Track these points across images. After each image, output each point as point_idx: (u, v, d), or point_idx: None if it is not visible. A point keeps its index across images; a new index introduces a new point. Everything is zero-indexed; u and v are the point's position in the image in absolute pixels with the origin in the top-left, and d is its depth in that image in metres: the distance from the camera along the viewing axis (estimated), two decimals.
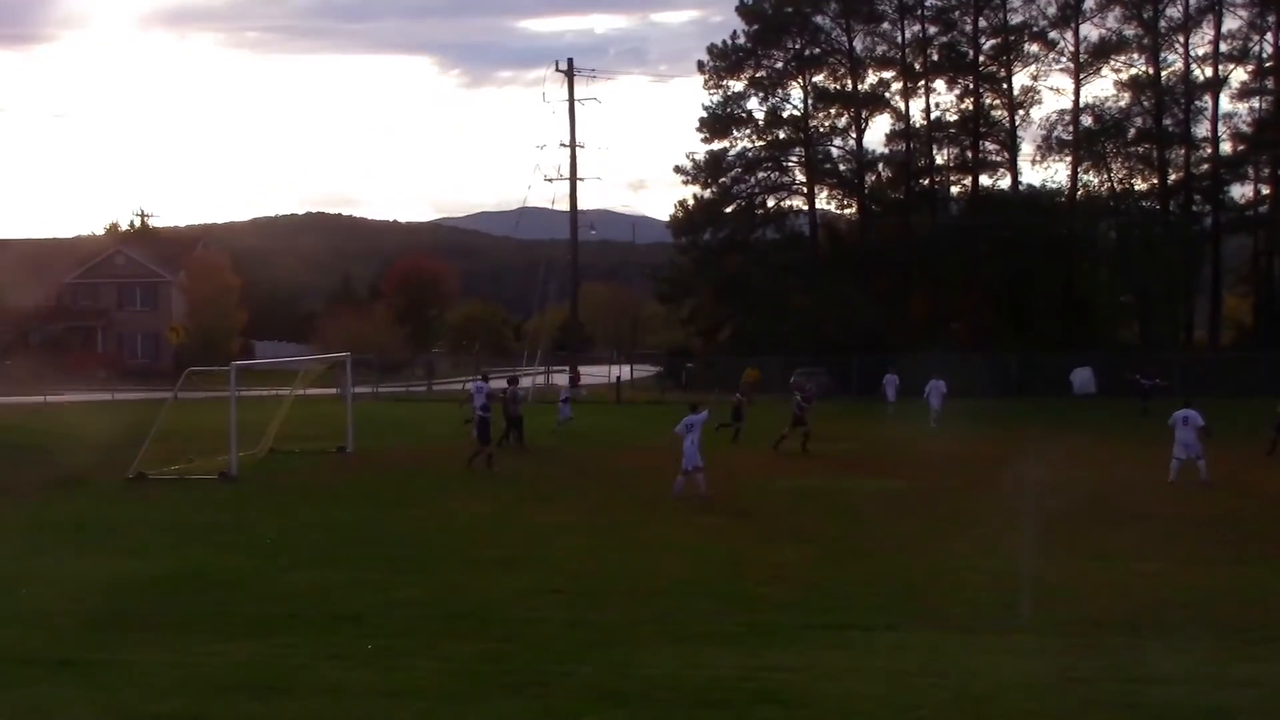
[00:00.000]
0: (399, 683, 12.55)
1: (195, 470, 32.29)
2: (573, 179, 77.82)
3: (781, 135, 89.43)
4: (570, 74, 76.07)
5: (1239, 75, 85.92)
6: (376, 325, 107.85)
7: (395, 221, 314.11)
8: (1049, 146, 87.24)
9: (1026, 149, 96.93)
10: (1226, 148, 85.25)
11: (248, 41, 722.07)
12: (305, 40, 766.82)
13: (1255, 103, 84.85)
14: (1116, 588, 16.81)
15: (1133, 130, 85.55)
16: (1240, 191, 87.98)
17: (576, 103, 78.04)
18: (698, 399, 29.68)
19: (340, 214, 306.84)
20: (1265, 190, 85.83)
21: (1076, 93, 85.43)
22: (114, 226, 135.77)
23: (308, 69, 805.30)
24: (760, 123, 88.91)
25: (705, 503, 25.70)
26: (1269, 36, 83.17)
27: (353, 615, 15.59)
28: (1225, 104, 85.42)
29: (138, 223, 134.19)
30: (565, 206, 79.21)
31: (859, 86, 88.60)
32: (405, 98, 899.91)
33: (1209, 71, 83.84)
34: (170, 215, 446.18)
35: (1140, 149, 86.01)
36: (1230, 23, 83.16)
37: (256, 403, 41.82)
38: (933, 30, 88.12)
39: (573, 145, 77.56)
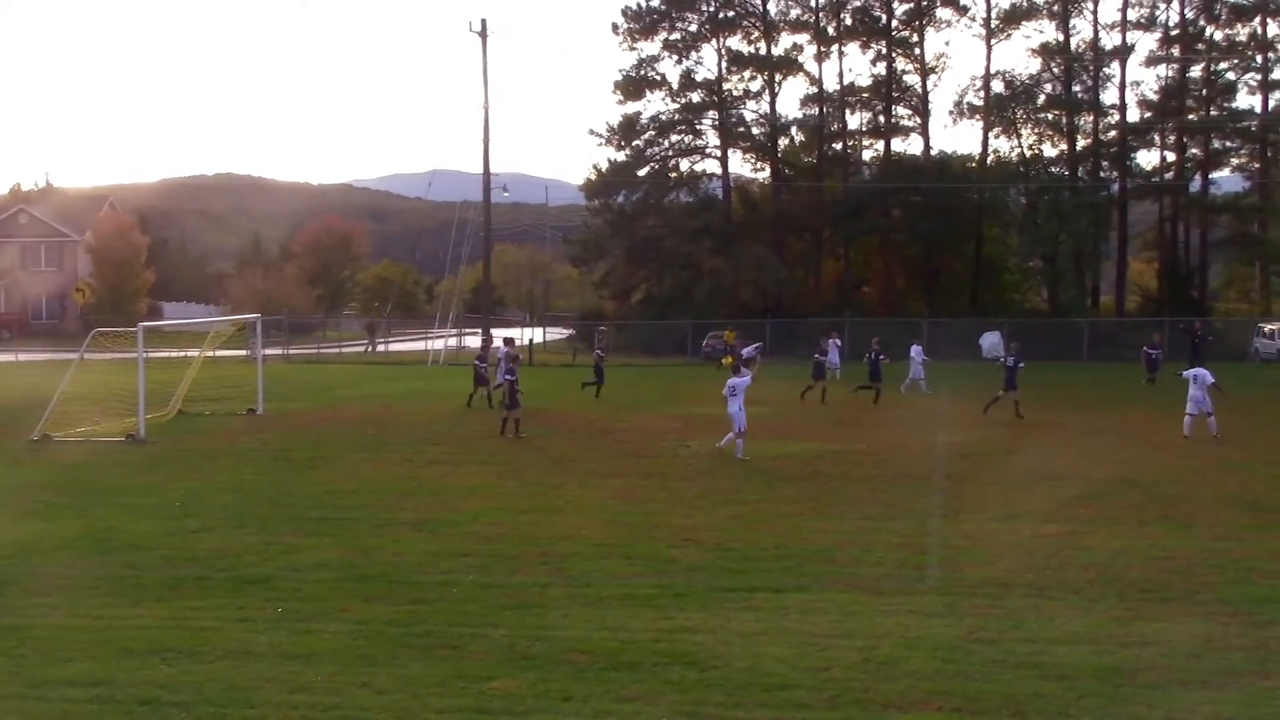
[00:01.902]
0: (309, 645, 12.55)
1: (102, 432, 31.90)
2: (485, 140, 77.19)
3: (695, 98, 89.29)
4: (484, 35, 75.41)
5: (1146, 43, 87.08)
6: (287, 286, 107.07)
7: (306, 183, 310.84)
8: (960, 111, 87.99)
9: (938, 114, 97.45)
10: (1134, 115, 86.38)
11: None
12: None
13: (1161, 70, 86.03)
14: (1022, 549, 17.04)
15: (1042, 96, 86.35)
16: (1146, 158, 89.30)
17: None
18: (742, 363, 29.93)
19: (250, 175, 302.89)
20: (1170, 157, 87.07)
21: (988, 58, 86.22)
22: (16, 187, 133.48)
23: (218, 30, 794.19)
24: (674, 85, 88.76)
25: (744, 464, 26.18)
26: (1175, 5, 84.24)
27: (262, 578, 15.54)
28: (1133, 71, 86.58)
29: (42, 182, 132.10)
30: (479, 168, 78.69)
31: (772, 50, 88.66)
32: (317, 58, 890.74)
33: (1117, 39, 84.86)
34: (76, 175, 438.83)
35: (1050, 115, 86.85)
36: None
37: (165, 364, 41.37)
38: None
39: (486, 107, 76.91)
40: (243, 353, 55.68)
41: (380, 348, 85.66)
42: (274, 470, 25.76)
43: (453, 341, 79.77)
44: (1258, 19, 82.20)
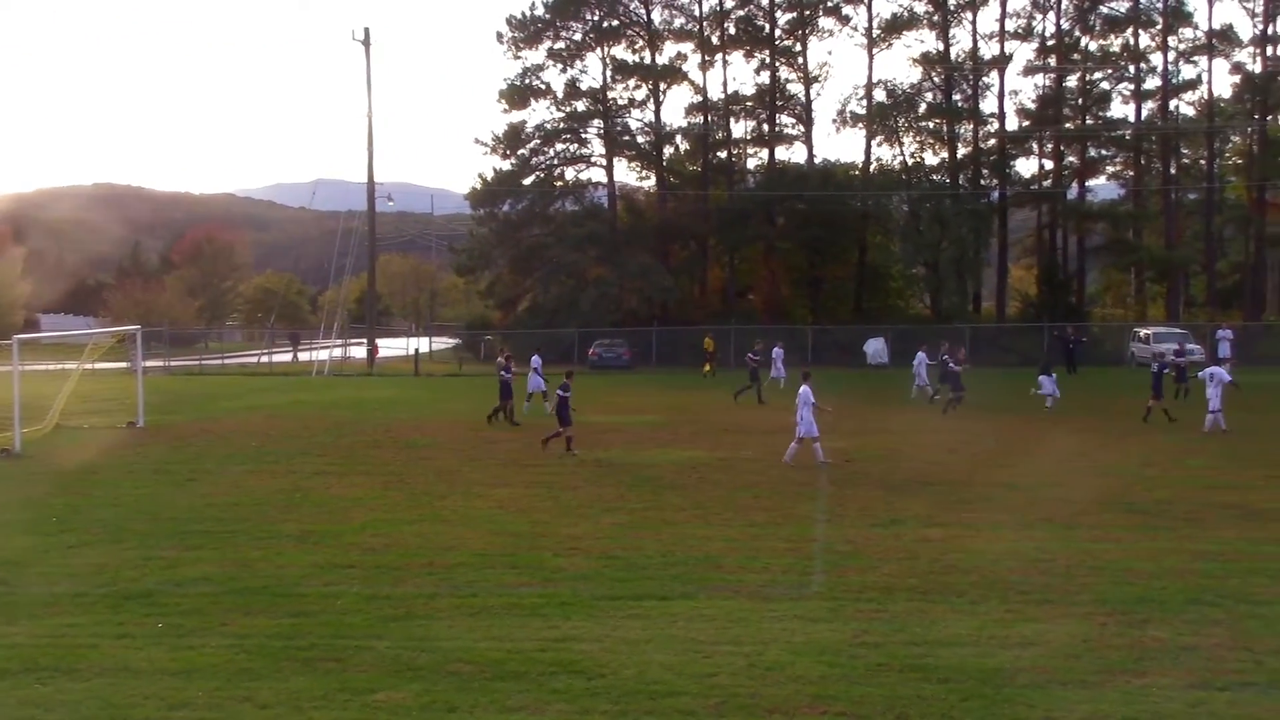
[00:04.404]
0: (190, 661, 12.37)
1: None
2: (370, 150, 77.13)
3: (580, 107, 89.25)
4: (367, 44, 75.03)
5: (1024, 53, 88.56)
6: (168, 297, 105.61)
7: (187, 193, 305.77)
8: (843, 120, 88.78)
9: (822, 123, 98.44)
10: (1012, 123, 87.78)
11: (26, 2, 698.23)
12: (92, 3, 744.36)
13: (1039, 80, 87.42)
14: (906, 553, 17.21)
15: (923, 105, 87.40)
16: (1025, 166, 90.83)
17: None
18: (808, 369, 29.78)
19: (129, 185, 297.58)
20: (1048, 165, 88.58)
21: (869, 67, 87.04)
22: None
23: (96, 34, 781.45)
24: (559, 94, 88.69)
25: (821, 469, 26.31)
26: (1051, 16, 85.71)
27: (142, 593, 15.29)
28: (1011, 80, 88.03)
29: None
30: (363, 177, 78.26)
31: (657, 59, 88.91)
32: (199, 66, 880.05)
33: (995, 49, 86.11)
34: None
35: (931, 123, 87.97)
36: (1016, 2, 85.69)
37: (42, 377, 40.61)
38: (730, 3, 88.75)
39: (370, 116, 76.98)
40: (123, 365, 54.83)
41: (266, 359, 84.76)
42: (154, 484, 25.37)
43: (337, 352, 79.20)
44: (1130, 30, 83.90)
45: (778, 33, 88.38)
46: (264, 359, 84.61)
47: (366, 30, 74.95)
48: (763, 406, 42.38)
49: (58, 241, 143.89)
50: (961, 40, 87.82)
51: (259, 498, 23.29)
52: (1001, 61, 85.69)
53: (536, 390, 40.63)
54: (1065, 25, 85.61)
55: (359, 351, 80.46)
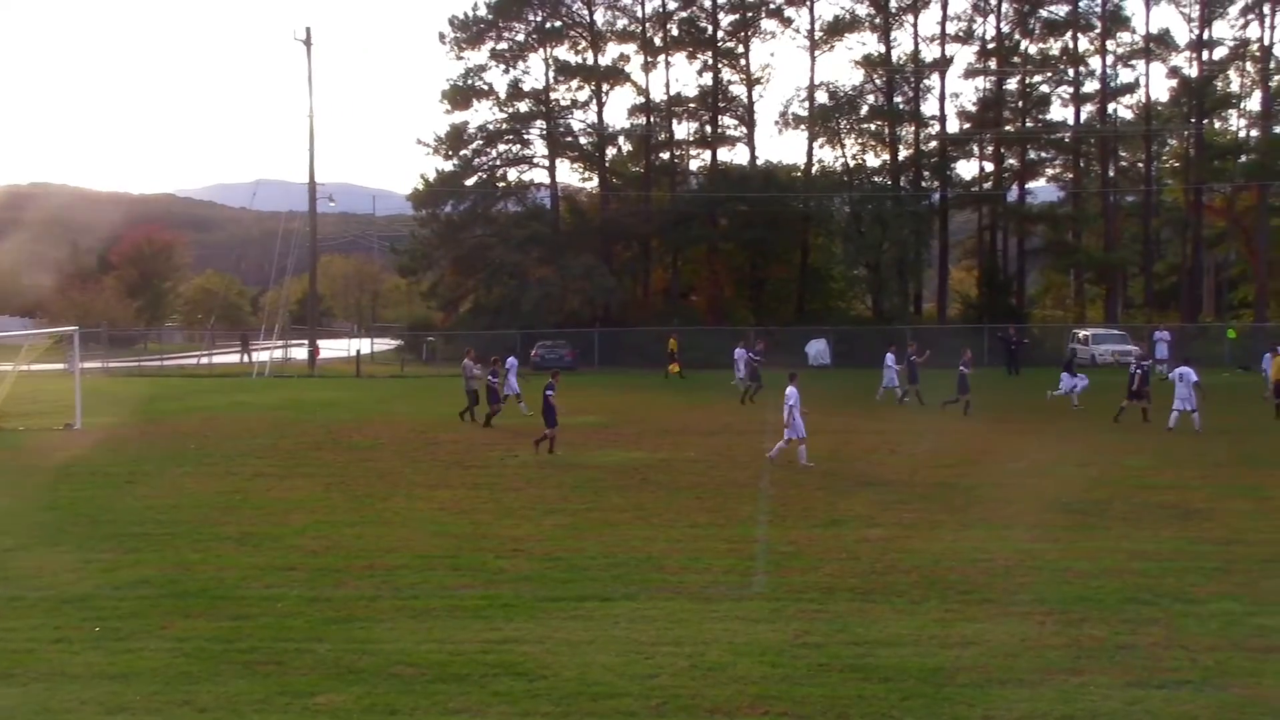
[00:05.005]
0: (128, 664, 12.25)
1: None
2: (311, 150, 76.49)
3: (523, 108, 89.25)
4: (309, 43, 74.58)
5: (965, 56, 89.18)
6: (106, 298, 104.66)
7: (126, 193, 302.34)
8: (785, 122, 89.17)
9: (764, 124, 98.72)
10: (953, 126, 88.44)
11: None
12: None
13: (979, 83, 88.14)
14: (847, 554, 17.27)
15: (865, 107, 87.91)
16: (966, 168, 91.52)
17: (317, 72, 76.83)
18: (794, 370, 29.66)
19: (67, 184, 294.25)
20: (989, 167, 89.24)
21: (812, 69, 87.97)
22: None
23: (33, 30, 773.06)
24: (501, 95, 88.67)
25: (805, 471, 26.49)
26: (991, 19, 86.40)
27: (80, 596, 15.14)
28: (952, 83, 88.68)
29: None
30: (304, 177, 77.73)
31: (600, 60, 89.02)
32: (137, 65, 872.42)
33: (936, 51, 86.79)
34: None
35: (872, 125, 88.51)
36: (956, 5, 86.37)
37: None
38: (672, 5, 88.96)
39: (311, 116, 76.22)
40: (60, 366, 54.30)
41: (206, 360, 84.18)
42: (92, 486, 25.11)
43: (278, 353, 78.78)
44: (1069, 33, 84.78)
45: (720, 34, 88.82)
46: (204, 360, 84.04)
47: (308, 30, 74.56)
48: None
49: None
50: (903, 43, 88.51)
51: (199, 500, 23.10)
52: (942, 64, 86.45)
53: (511, 393, 40.36)
54: (1005, 29, 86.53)
55: (300, 353, 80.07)
